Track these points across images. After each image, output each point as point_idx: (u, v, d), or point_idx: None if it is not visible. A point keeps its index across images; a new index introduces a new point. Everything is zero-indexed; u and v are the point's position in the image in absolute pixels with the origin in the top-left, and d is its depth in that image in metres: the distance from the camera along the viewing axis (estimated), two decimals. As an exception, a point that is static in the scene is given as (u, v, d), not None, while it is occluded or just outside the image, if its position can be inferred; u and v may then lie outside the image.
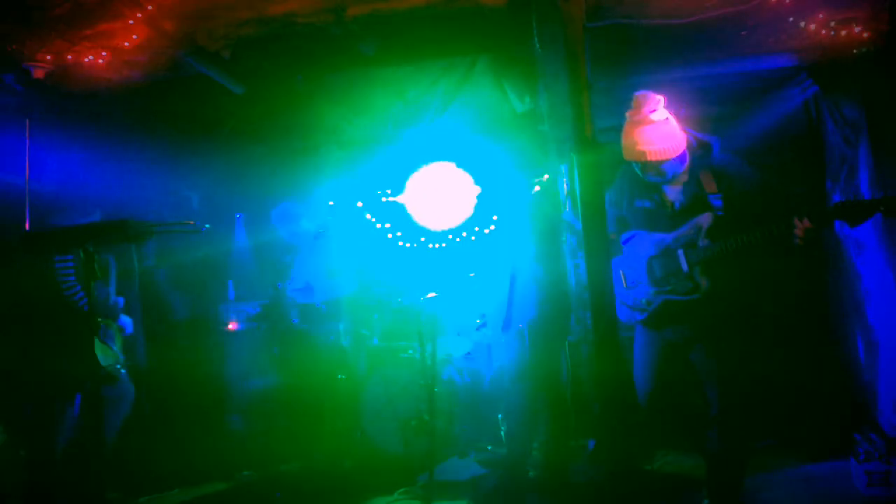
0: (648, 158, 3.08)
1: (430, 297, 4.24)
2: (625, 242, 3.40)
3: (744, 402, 3.16)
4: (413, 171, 4.74)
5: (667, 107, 3.11)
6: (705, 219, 3.11)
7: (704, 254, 3.08)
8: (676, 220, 3.18)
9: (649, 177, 3.19)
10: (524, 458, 4.02)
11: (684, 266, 3.13)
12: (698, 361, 3.19)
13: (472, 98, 4.53)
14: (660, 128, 3.06)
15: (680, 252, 3.14)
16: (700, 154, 3.20)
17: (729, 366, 3.14)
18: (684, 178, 3.20)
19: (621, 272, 3.37)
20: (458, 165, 4.67)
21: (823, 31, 3.66)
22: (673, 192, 3.21)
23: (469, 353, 5.37)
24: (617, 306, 3.12)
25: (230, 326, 5.52)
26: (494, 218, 5.00)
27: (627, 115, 3.12)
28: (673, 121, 3.11)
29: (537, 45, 3.30)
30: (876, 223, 3.99)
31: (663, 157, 3.08)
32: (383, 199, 5.04)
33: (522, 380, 3.98)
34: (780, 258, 4.06)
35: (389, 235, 5.18)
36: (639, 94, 3.10)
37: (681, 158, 3.15)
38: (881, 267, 3.98)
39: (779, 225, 2.90)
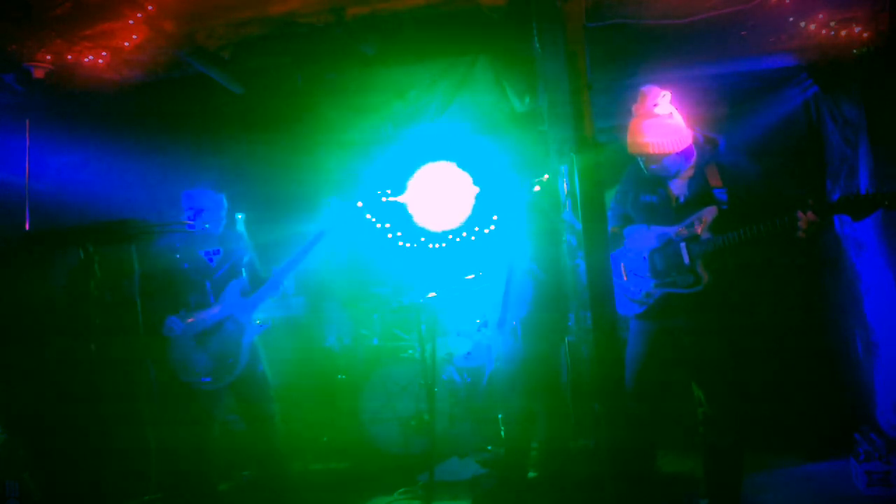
0: (649, 151, 3.12)
1: (430, 297, 4.24)
2: (628, 236, 3.41)
3: (740, 401, 3.17)
4: (413, 171, 4.74)
5: (673, 102, 3.14)
6: (709, 212, 3.12)
7: (706, 247, 3.09)
8: (680, 214, 3.20)
9: (652, 170, 3.21)
10: (523, 459, 4.02)
11: (686, 259, 3.14)
12: (693, 357, 3.20)
13: (472, 98, 4.53)
14: (662, 122, 3.11)
15: (682, 245, 3.15)
16: (707, 150, 3.22)
17: (724, 363, 3.14)
18: (690, 173, 3.22)
19: (622, 265, 3.39)
20: (458, 165, 4.67)
21: (823, 31, 3.67)
22: (678, 187, 3.24)
23: (469, 353, 5.36)
24: (616, 298, 3.14)
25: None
26: (494, 218, 5.00)
27: (633, 108, 3.16)
28: (677, 116, 3.14)
29: (537, 45, 3.31)
30: (876, 223, 3.99)
31: (664, 151, 3.11)
32: (383, 199, 5.04)
33: (517, 379, 3.97)
34: (780, 257, 4.08)
35: (389, 235, 5.18)
36: (644, 87, 3.15)
37: (685, 154, 3.17)
38: (881, 267, 3.98)
39: (783, 218, 2.90)
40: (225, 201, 4.09)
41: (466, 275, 5.16)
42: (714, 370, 3.17)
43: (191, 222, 3.86)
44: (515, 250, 4.03)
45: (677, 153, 3.13)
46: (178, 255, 3.96)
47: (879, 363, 4.08)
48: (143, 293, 3.91)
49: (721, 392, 3.18)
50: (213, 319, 3.89)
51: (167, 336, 3.86)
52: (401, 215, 4.80)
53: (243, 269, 4.06)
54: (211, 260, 4.00)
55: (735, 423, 3.17)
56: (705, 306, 3.13)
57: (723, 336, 3.14)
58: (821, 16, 3.58)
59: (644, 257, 3.29)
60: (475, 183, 4.65)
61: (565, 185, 3.65)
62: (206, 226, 4.01)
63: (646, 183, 3.30)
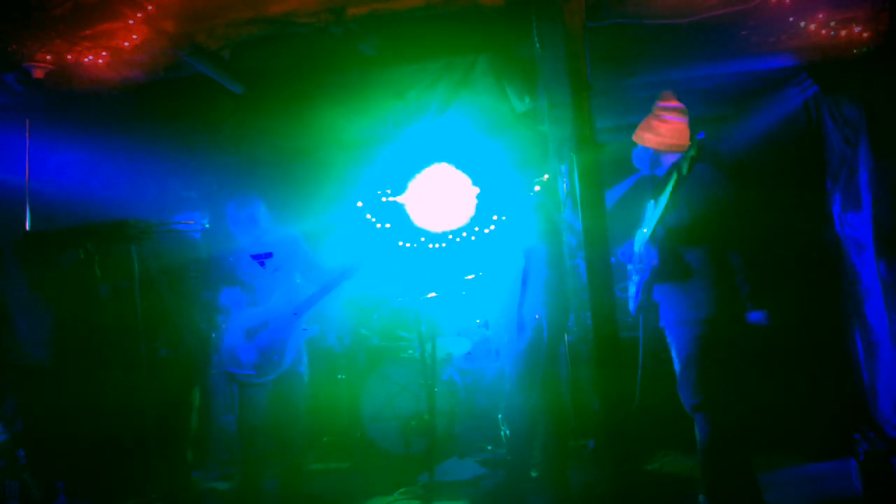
0: (647, 144, 3.31)
1: (430, 297, 4.24)
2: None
3: (737, 400, 3.17)
4: (413, 172, 4.73)
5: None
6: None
7: (658, 228, 3.16)
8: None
9: (656, 171, 3.29)
10: (527, 459, 4.01)
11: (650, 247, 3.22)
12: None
13: (472, 98, 4.53)
14: (667, 121, 3.28)
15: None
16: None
17: (709, 356, 3.15)
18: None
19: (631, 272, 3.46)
20: (458, 165, 4.66)
21: (823, 31, 3.67)
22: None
23: (469, 353, 5.37)
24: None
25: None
26: (494, 218, 5.00)
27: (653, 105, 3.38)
28: (681, 120, 3.29)
29: (537, 45, 3.31)
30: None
31: (662, 148, 3.27)
32: (383, 199, 5.03)
33: (530, 380, 3.94)
34: (780, 258, 4.09)
35: (389, 235, 5.17)
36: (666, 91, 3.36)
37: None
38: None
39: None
40: (258, 214, 4.19)
41: (466, 275, 5.16)
42: (692, 362, 3.22)
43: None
44: (530, 253, 3.98)
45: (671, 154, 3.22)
46: (231, 259, 4.20)
47: (879, 363, 4.08)
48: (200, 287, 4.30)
49: (706, 386, 3.21)
50: (260, 319, 4.01)
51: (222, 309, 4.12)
52: (401, 215, 4.79)
53: (295, 275, 4.11)
54: (262, 264, 4.12)
55: (723, 415, 3.17)
56: (707, 304, 3.15)
57: (725, 335, 3.15)
58: (821, 16, 3.59)
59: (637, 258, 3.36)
60: (475, 183, 4.64)
61: (565, 185, 3.65)
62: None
63: (650, 191, 3.39)
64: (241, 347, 3.95)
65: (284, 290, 4.04)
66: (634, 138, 3.40)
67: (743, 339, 3.19)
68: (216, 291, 4.19)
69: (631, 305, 3.38)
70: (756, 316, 3.15)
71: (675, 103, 3.33)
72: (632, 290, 3.38)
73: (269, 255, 4.09)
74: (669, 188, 3.07)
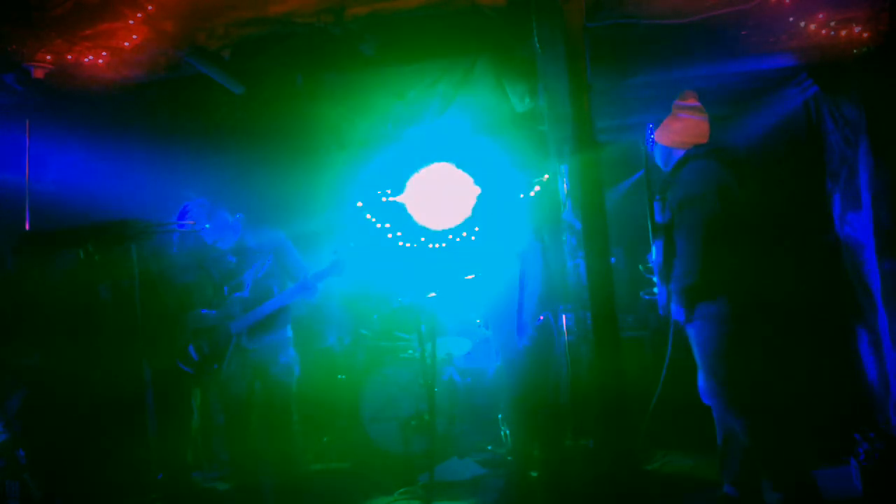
0: (661, 142, 3.42)
1: (430, 297, 4.24)
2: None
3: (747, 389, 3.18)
4: (413, 172, 4.74)
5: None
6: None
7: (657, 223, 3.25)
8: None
9: (667, 167, 3.43)
10: (527, 459, 4.01)
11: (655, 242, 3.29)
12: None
13: (472, 98, 4.53)
14: (681, 119, 3.39)
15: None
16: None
17: (718, 348, 3.16)
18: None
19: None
20: (458, 165, 4.67)
21: (823, 31, 3.67)
22: None
23: (469, 353, 5.37)
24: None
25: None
26: (495, 218, 5.00)
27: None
28: (694, 118, 3.37)
29: (537, 45, 3.31)
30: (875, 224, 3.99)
31: (672, 145, 3.38)
32: (383, 199, 5.03)
33: (535, 377, 3.94)
34: (780, 258, 4.09)
35: (389, 235, 5.18)
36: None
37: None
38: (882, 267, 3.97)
39: None
40: (228, 218, 4.15)
41: (466, 275, 5.16)
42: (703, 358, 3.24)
43: (190, 222, 3.88)
44: (526, 253, 3.99)
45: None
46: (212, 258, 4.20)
47: (879, 363, 4.08)
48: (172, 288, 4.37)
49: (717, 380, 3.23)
50: (208, 323, 4.00)
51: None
52: (401, 215, 4.79)
53: (257, 282, 4.08)
54: (227, 267, 4.12)
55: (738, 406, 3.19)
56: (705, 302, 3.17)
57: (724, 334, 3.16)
58: (821, 16, 3.59)
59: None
60: (475, 183, 4.65)
61: (565, 185, 3.66)
62: (207, 226, 4.03)
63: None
64: (188, 346, 3.99)
65: (237, 296, 4.03)
66: (654, 137, 3.51)
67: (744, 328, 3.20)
68: (198, 290, 4.20)
69: (659, 305, 3.40)
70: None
71: (691, 102, 3.42)
72: (656, 290, 3.40)
73: (233, 259, 4.10)
74: (645, 178, 3.13)
